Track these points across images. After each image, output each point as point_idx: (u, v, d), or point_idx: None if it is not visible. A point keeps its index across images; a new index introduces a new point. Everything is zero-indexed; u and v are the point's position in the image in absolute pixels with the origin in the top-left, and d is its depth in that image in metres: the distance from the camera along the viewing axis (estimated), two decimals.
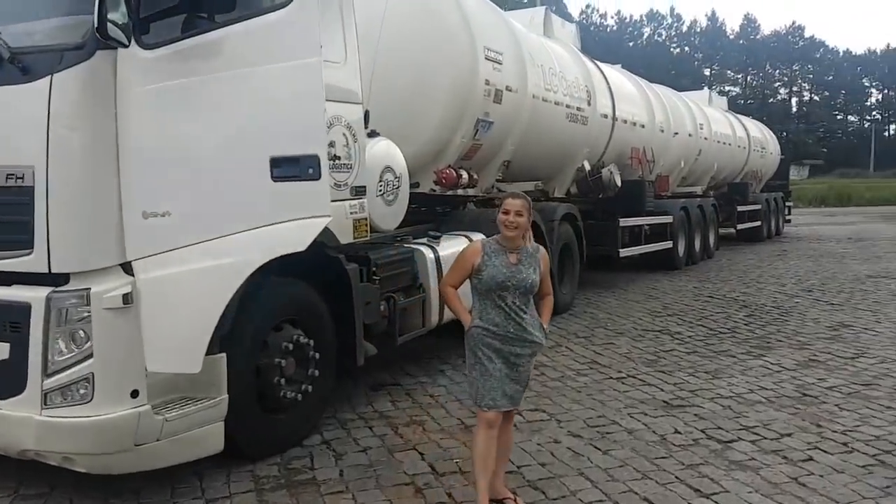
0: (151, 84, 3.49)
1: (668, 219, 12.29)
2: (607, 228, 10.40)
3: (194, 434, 3.79)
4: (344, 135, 4.90)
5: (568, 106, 9.11)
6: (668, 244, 12.36)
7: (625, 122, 11.09)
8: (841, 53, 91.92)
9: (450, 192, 7.46)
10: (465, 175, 7.24)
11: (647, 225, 11.58)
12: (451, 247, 6.35)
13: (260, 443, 4.30)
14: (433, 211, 7.98)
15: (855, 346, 7.06)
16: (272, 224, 3.70)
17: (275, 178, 3.70)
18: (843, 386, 5.76)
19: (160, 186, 3.49)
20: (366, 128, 5.33)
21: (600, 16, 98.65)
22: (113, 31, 3.26)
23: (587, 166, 10.02)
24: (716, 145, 16.18)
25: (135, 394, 3.53)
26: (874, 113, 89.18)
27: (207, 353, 3.70)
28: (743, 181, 18.64)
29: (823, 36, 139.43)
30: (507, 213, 3.51)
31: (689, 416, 5.07)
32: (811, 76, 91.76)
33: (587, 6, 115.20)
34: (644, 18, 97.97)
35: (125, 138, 3.47)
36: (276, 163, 3.70)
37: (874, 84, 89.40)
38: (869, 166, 69.21)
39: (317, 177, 3.74)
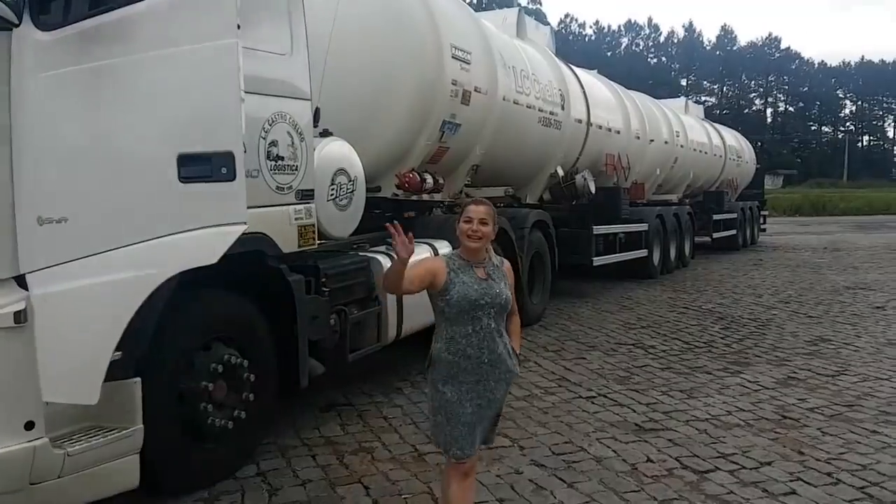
0: (50, 70, 3.03)
1: (643, 227, 11.98)
2: (581, 236, 10.05)
3: (104, 469, 3.31)
4: (288, 133, 4.47)
5: (541, 110, 8.75)
6: (643, 253, 12.05)
7: (600, 127, 10.77)
8: (816, 65, 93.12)
9: (414, 197, 7.06)
10: (430, 179, 6.84)
11: (622, 233, 11.26)
12: (414, 255, 5.93)
13: (184, 476, 3.84)
14: (398, 217, 7.58)
15: (835, 362, 6.75)
16: (180, 233, 3.21)
17: (183, 179, 3.22)
18: (825, 407, 5.42)
19: (57, 188, 3.03)
20: (315, 126, 4.91)
21: (579, 25, 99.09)
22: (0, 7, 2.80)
23: (560, 172, 9.67)
24: (692, 153, 15.96)
25: (29, 425, 3.06)
26: (848, 124, 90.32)
27: (119, 378, 3.26)
28: (719, 189, 18.47)
29: (799, 47, 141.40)
30: (469, 221, 3.00)
31: (663, 442, 4.69)
32: (786, 87, 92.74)
33: (566, 15, 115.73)
34: (622, 28, 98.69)
35: (20, 132, 3.01)
36: (183, 161, 3.23)
37: (848, 95, 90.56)
38: (843, 176, 69.94)
39: (231, 177, 3.29)
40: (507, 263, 3.17)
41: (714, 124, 19.93)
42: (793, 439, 4.75)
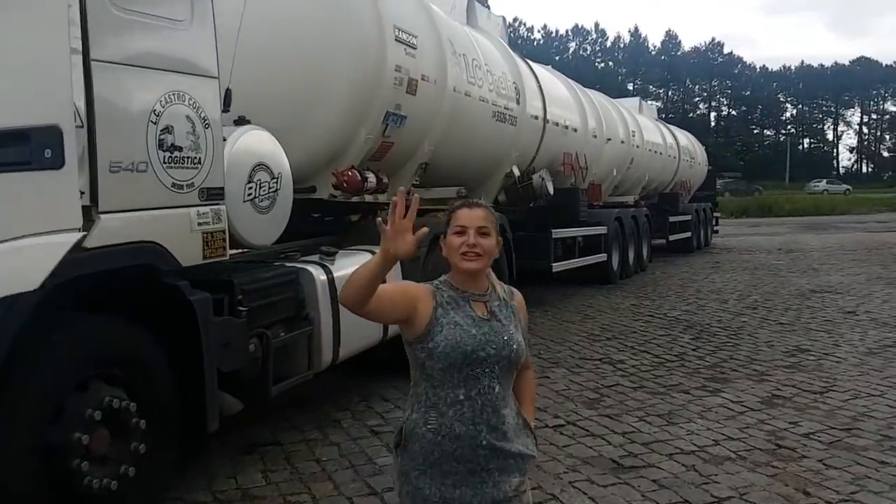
0: None
1: (602, 230, 11.37)
2: (539, 240, 9.35)
3: None
4: (188, 118, 3.63)
5: (495, 103, 8.01)
6: (603, 257, 11.43)
7: (556, 125, 10.10)
8: (758, 70, 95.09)
9: (355, 199, 6.23)
10: (372, 178, 6.02)
11: (581, 236, 10.61)
12: (350, 265, 5.09)
13: None
14: (339, 223, 6.75)
15: (819, 376, 6.16)
16: None
17: None
18: (822, 432, 4.78)
19: None
20: (226, 110, 4.06)
21: (527, 29, 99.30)
22: None
23: (516, 172, 8.94)
24: (648, 154, 15.48)
25: None
26: (789, 127, 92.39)
27: None
28: (673, 191, 18.09)
29: (741, 52, 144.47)
30: (461, 231, 2.07)
31: (647, 484, 3.97)
32: (729, 91, 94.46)
33: (514, 19, 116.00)
34: (570, 33, 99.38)
35: None
36: None
37: (789, 99, 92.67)
38: (784, 178, 71.35)
39: (58, 163, 2.44)
40: (517, 295, 2.23)
41: (667, 125, 19.57)
42: (794, 475, 4.08)
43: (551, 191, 9.31)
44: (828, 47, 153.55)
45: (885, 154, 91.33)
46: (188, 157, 3.63)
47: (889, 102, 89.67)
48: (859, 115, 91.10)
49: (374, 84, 5.74)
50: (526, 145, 9.07)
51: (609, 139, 12.61)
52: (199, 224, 3.72)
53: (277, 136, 4.80)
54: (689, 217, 18.11)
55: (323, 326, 4.65)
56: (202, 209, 3.72)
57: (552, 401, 5.48)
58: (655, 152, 16.21)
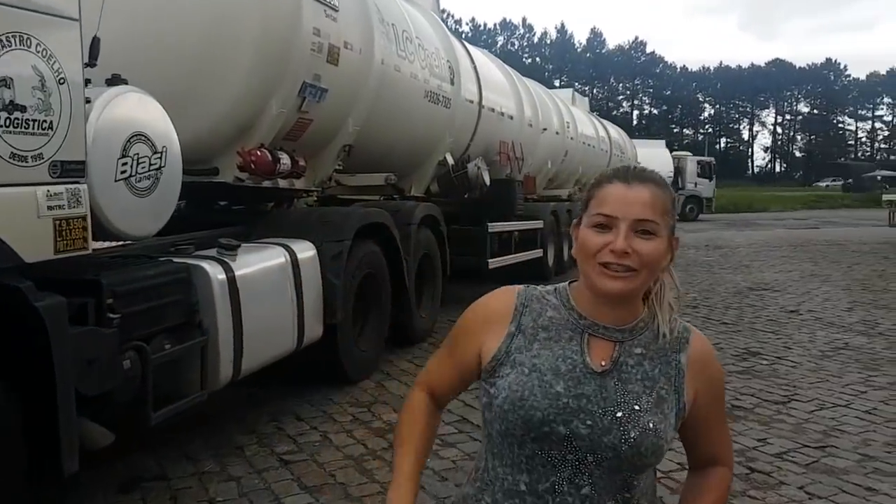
0: None
1: (538, 224, 10.79)
2: (475, 235, 8.66)
3: None
4: (35, 69, 2.75)
5: (427, 81, 7.27)
6: (539, 252, 10.85)
7: (492, 110, 9.44)
8: (678, 69, 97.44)
9: (267, 184, 5.39)
10: (285, 159, 5.19)
11: (518, 231, 9.99)
12: (257, 262, 4.30)
13: None
14: (254, 210, 5.88)
15: (777, 383, 5.69)
16: None
17: None
18: (794, 451, 4.26)
19: None
20: (92, 63, 3.18)
21: (455, 21, 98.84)
22: None
23: (450, 160, 8.23)
24: (581, 146, 15.06)
25: None
26: (707, 126, 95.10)
27: None
28: None
29: (663, 52, 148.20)
30: (605, 224, 1.31)
31: None
32: (651, 90, 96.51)
33: (442, 11, 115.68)
34: (498, 27, 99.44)
35: None
36: None
37: (707, 99, 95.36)
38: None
39: None
40: (697, 344, 1.40)
41: (599, 118, 19.30)
42: None
43: (487, 181, 8.65)
44: (745, 49, 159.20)
45: (798, 154, 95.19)
46: (34, 121, 2.75)
47: (802, 104, 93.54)
48: (774, 115, 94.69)
49: (286, 47, 4.91)
50: (460, 131, 8.38)
51: (545, 129, 12.07)
52: (50, 208, 2.84)
53: (168, 105, 3.93)
54: None
55: (221, 335, 3.81)
56: (54, 188, 2.84)
57: None
58: (589, 145, 15.83)
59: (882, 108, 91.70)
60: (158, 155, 3.54)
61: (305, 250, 4.80)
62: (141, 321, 3.42)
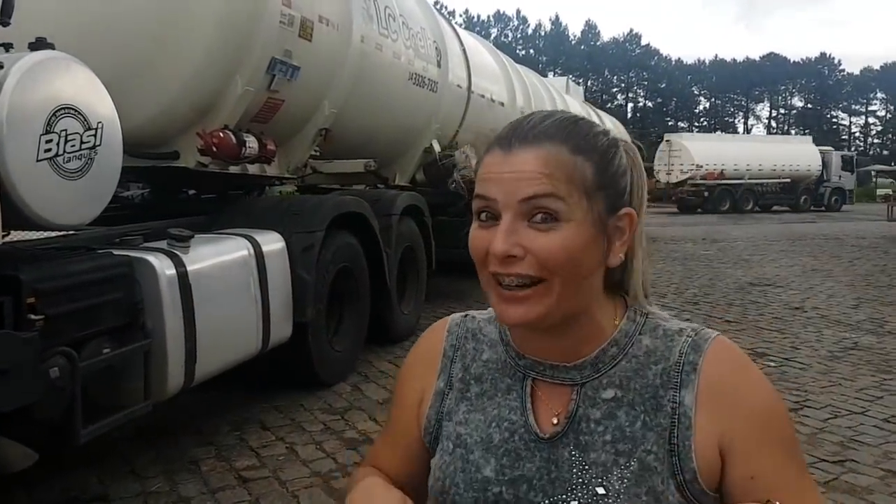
0: None
1: None
2: (462, 226, 8.16)
3: None
4: None
5: (411, 63, 6.82)
6: None
7: (482, 96, 8.99)
8: (673, 62, 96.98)
9: (234, 169, 4.94)
10: (252, 141, 4.73)
11: None
12: (214, 255, 3.84)
13: None
14: (222, 199, 5.42)
15: (787, 387, 5.27)
16: None
17: None
18: (811, 466, 3.84)
19: None
20: (6, 22, 2.72)
21: (449, 13, 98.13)
22: None
23: (437, 147, 7.78)
24: None
25: None
26: (702, 119, 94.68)
27: None
28: None
29: (658, 44, 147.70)
30: (487, 203, 0.86)
31: None
32: (646, 83, 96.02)
33: (436, 2, 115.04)
34: (491, 19, 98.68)
35: None
36: None
37: (702, 92, 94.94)
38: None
39: None
40: (714, 360, 0.90)
41: (595, 108, 18.88)
42: None
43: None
44: (740, 42, 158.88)
45: None
46: None
47: (796, 97, 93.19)
48: (768, 109, 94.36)
49: (252, 18, 4.45)
50: (448, 117, 7.93)
51: None
52: None
53: (117, 80, 3.49)
54: None
55: (169, 338, 3.36)
56: None
57: None
58: None
59: (876, 103, 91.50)
60: (92, 132, 3.07)
61: (272, 242, 4.35)
62: (72, 323, 2.98)
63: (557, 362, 0.92)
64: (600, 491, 0.85)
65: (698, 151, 30.39)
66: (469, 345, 1.01)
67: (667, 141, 32.05)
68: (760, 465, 0.87)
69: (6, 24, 2.72)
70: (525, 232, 0.84)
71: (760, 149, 32.33)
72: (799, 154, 32.55)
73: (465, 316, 1.06)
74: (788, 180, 31.92)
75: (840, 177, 33.63)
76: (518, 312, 0.86)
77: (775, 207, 32.37)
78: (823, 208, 32.64)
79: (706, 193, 30.37)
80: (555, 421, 0.91)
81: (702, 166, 29.98)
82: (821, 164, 32.44)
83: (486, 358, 0.99)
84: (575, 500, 0.86)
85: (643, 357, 0.90)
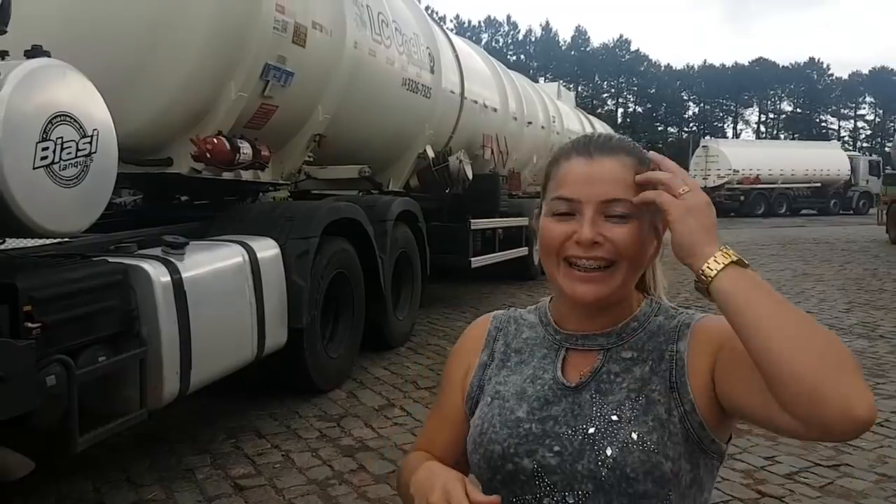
0: None
1: (523, 221, 10.35)
2: (456, 232, 8.21)
3: None
4: None
5: (404, 69, 6.83)
6: (524, 250, 10.43)
7: (475, 102, 9.02)
8: (663, 68, 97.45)
9: (227, 175, 4.92)
10: (246, 147, 4.72)
11: (501, 228, 9.57)
12: (208, 262, 3.84)
13: None
14: (218, 205, 5.40)
15: None
16: None
17: None
18: (806, 471, 3.88)
19: None
20: (1, 29, 2.72)
21: (440, 18, 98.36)
22: None
23: (431, 153, 7.80)
24: (568, 141, 14.68)
25: None
26: (692, 125, 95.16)
27: None
28: None
29: (648, 50, 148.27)
30: (569, 203, 1.06)
31: None
32: (636, 88, 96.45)
33: (426, 7, 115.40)
34: (482, 24, 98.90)
35: None
36: None
37: (692, 98, 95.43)
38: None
39: None
40: (704, 322, 1.10)
41: (585, 113, 18.94)
42: None
43: (470, 176, 8.23)
44: (728, 48, 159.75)
45: None
46: None
47: (785, 102, 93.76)
48: (757, 114, 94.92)
49: (245, 24, 4.45)
50: (441, 122, 7.94)
51: (530, 123, 11.69)
52: None
53: (111, 86, 3.47)
54: None
55: (164, 346, 3.35)
56: None
57: None
58: None
59: (864, 107, 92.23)
60: (88, 139, 3.06)
61: (267, 248, 4.34)
62: (68, 331, 2.96)
63: (590, 332, 1.12)
64: (614, 418, 1.03)
65: (735, 157, 31.62)
66: (511, 327, 1.21)
67: (703, 147, 33.37)
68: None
69: (3, 33, 2.72)
70: (603, 224, 1.04)
71: (792, 154, 33.97)
72: (828, 159, 34.05)
73: (508, 308, 1.28)
74: (819, 184, 33.19)
75: (867, 181, 34.63)
76: (591, 290, 1.05)
77: (804, 211, 33.52)
78: (851, 212, 33.47)
79: (742, 198, 31.33)
80: (576, 377, 1.10)
81: (738, 171, 31.13)
82: (849, 168, 33.65)
83: (526, 336, 1.18)
84: (593, 427, 1.03)
85: (656, 329, 1.11)
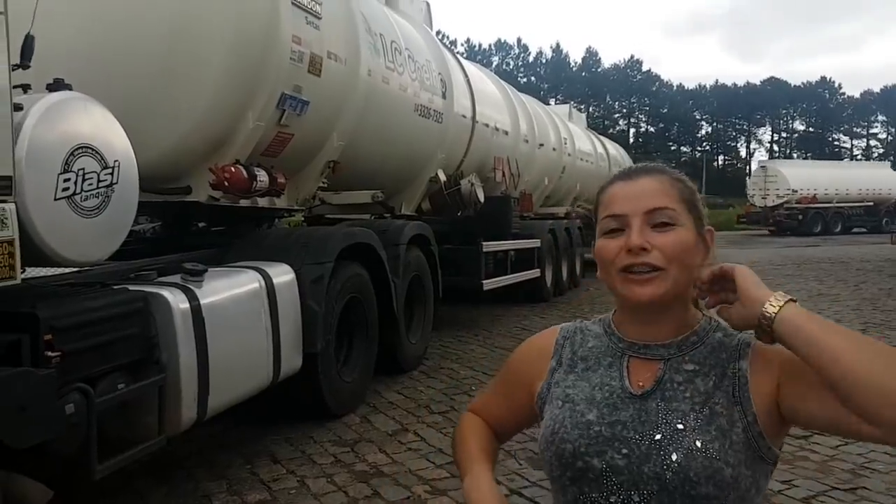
0: None
1: (535, 243, 10.39)
2: (468, 254, 8.25)
3: None
4: None
5: (417, 95, 6.92)
6: (536, 272, 10.45)
7: (486, 125, 9.11)
8: (675, 87, 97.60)
9: (244, 202, 5.00)
10: (263, 175, 4.80)
11: (513, 250, 9.59)
12: (226, 288, 3.89)
13: None
14: (233, 232, 5.46)
15: None
16: None
17: None
18: (823, 494, 3.85)
19: None
20: (24, 65, 2.80)
21: (451, 42, 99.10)
22: None
23: (443, 177, 7.87)
24: (579, 163, 14.76)
25: None
26: (704, 144, 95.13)
27: None
28: None
29: (659, 70, 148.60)
30: (615, 227, 1.21)
31: None
32: (647, 108, 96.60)
33: (437, 32, 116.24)
34: (493, 47, 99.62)
35: None
36: None
37: (704, 117, 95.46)
38: (701, 193, 73.24)
39: None
40: (763, 348, 1.16)
41: (597, 135, 19.01)
42: None
43: (481, 198, 8.28)
44: (737, 68, 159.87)
45: None
46: None
47: (797, 121, 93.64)
48: (770, 133, 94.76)
49: (262, 55, 4.54)
50: (453, 146, 8.02)
51: (541, 145, 11.76)
52: None
53: (132, 118, 3.56)
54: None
55: (183, 372, 3.40)
56: None
57: None
58: (587, 161, 15.55)
59: (877, 126, 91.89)
60: (109, 170, 3.14)
61: (282, 274, 4.40)
62: (88, 359, 3.01)
63: (648, 341, 1.22)
64: (679, 426, 1.13)
65: (794, 177, 32.70)
66: (577, 336, 1.32)
67: (762, 167, 34.52)
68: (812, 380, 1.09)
69: (26, 67, 2.80)
70: (650, 233, 1.16)
71: (846, 174, 35.47)
72: (879, 178, 35.54)
73: (576, 321, 1.38)
74: (871, 203, 34.40)
75: None
76: (647, 291, 1.16)
77: (855, 229, 34.37)
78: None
79: (800, 217, 32.48)
80: (641, 384, 1.19)
81: (797, 191, 32.12)
82: None
83: (591, 345, 1.29)
84: (659, 434, 1.13)
85: (716, 345, 1.20)
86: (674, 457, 1.10)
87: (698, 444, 1.10)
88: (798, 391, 1.11)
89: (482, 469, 1.28)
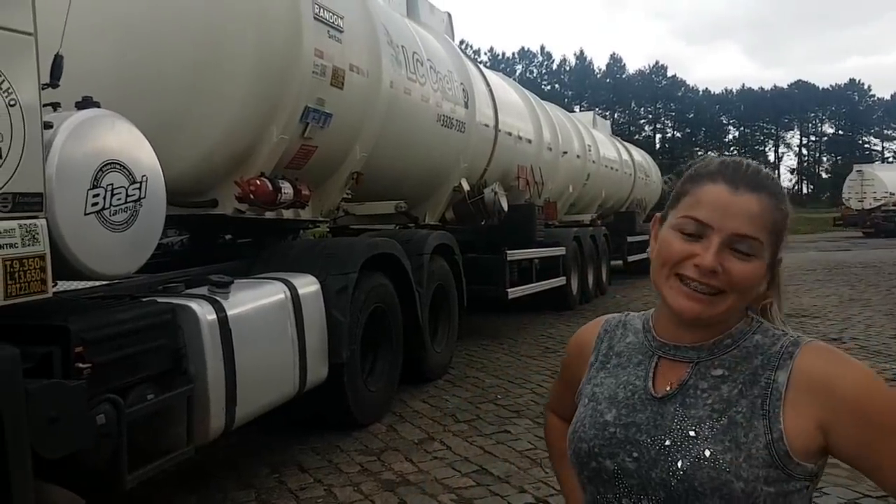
0: None
1: (560, 251, 10.36)
2: (492, 263, 8.25)
3: None
4: None
5: (439, 105, 6.96)
6: (562, 281, 10.41)
7: (509, 134, 9.12)
8: (700, 92, 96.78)
9: (269, 215, 5.07)
10: (287, 188, 4.86)
11: (538, 258, 9.57)
12: (252, 300, 3.94)
13: None
14: (258, 244, 5.53)
15: None
16: None
17: None
18: (854, 501, 3.79)
19: None
20: (53, 84, 2.88)
21: (474, 51, 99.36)
22: None
23: (466, 186, 7.89)
24: (604, 170, 14.68)
25: None
26: (732, 149, 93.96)
27: None
28: (629, 210, 17.33)
29: (684, 75, 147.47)
30: (693, 231, 1.10)
31: None
32: (673, 114, 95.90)
33: (461, 42, 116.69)
34: (516, 56, 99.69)
35: None
36: None
37: (731, 122, 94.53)
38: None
39: None
40: (810, 356, 1.09)
41: (622, 141, 18.92)
42: None
43: (505, 207, 8.27)
44: (764, 72, 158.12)
45: (824, 175, 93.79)
46: None
47: (826, 125, 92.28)
48: (798, 137, 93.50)
49: (286, 70, 4.61)
50: (476, 155, 8.04)
51: (565, 153, 11.73)
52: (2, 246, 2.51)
53: (158, 133, 3.63)
54: (646, 237, 17.21)
55: (210, 383, 3.45)
56: (3, 224, 2.51)
57: (517, 467, 4.35)
58: (611, 168, 15.47)
59: None
60: (137, 185, 3.21)
61: (308, 285, 4.45)
62: (118, 371, 3.07)
63: (682, 344, 1.16)
64: (691, 434, 1.08)
65: (890, 180, 33.26)
66: (619, 331, 1.29)
67: (858, 171, 34.87)
68: (870, 444, 1.04)
69: (56, 86, 2.88)
70: (727, 256, 1.08)
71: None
72: None
73: (624, 314, 1.34)
74: None
75: None
76: (694, 308, 1.10)
77: None
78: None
79: None
80: (669, 387, 1.15)
81: (894, 193, 32.62)
82: None
83: (629, 341, 1.26)
84: (669, 439, 1.09)
85: (752, 349, 1.13)
86: (679, 464, 1.06)
87: (707, 453, 1.05)
88: (863, 448, 1.05)
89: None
